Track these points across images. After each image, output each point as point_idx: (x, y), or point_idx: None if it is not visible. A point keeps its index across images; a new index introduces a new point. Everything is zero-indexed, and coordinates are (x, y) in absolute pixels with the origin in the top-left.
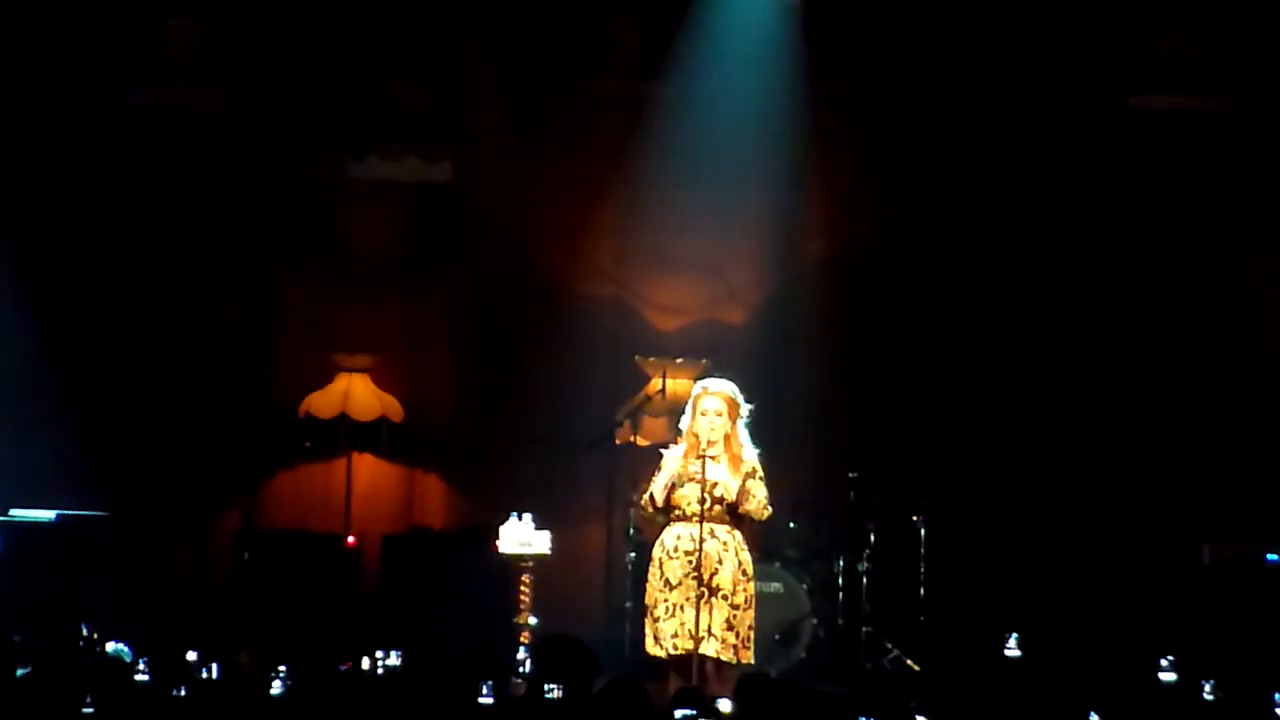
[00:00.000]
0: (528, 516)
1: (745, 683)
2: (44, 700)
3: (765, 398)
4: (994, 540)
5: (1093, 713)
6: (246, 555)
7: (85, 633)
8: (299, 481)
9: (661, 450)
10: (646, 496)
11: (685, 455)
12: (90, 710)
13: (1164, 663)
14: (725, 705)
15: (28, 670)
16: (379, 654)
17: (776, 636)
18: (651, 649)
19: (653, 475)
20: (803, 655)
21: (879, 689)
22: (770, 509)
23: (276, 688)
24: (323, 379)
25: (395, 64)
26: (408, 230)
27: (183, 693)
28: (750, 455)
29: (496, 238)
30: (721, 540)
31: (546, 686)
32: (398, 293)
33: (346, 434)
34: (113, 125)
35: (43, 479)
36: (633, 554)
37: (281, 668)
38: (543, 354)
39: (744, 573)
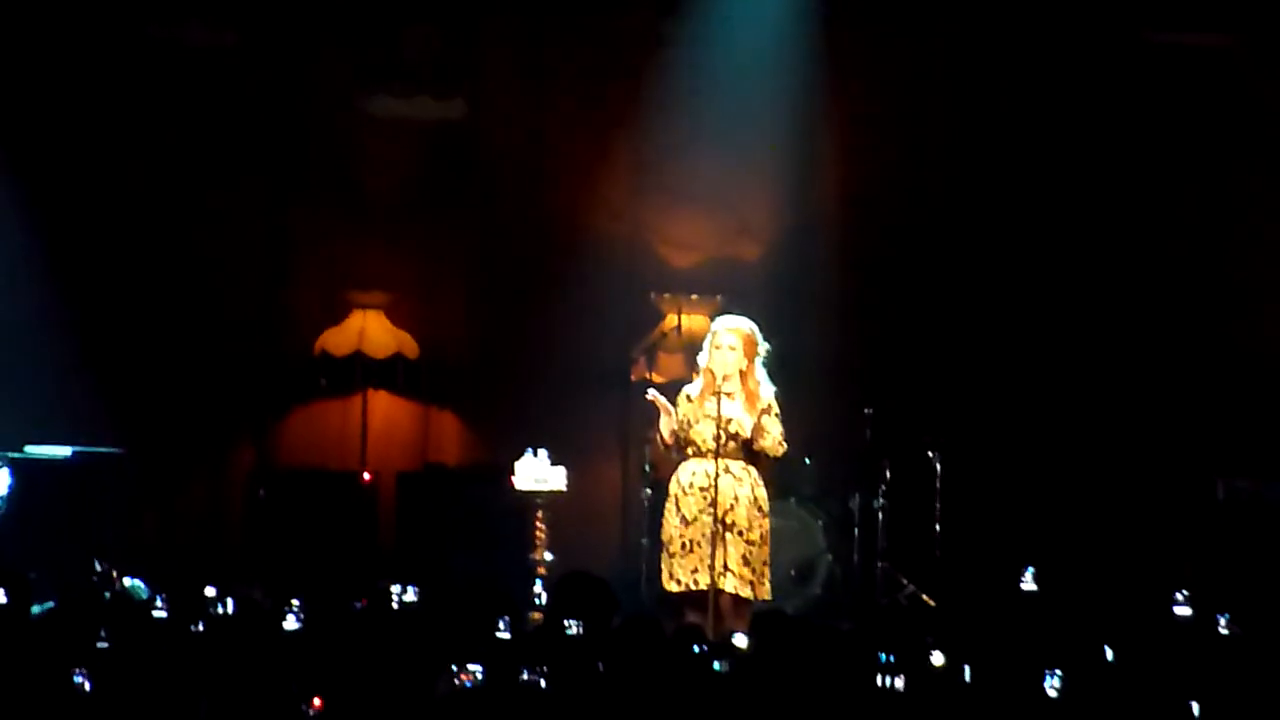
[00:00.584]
0: (543, 452)
1: (760, 619)
2: (59, 636)
3: (780, 334)
4: (1010, 476)
5: (1107, 647)
6: (262, 492)
7: (99, 568)
8: (314, 419)
9: (651, 392)
10: (657, 437)
11: (702, 392)
12: (106, 645)
13: (1179, 597)
14: (741, 641)
15: (44, 607)
16: (395, 589)
17: (792, 573)
18: (668, 585)
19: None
20: (819, 592)
21: (894, 625)
22: (785, 446)
23: (292, 623)
24: (338, 316)
25: (411, 1)
26: (422, 168)
27: (200, 628)
28: (766, 393)
29: (510, 175)
30: (736, 476)
31: (565, 622)
32: (412, 230)
33: (362, 371)
34: (125, 62)
35: (59, 416)
36: (648, 490)
37: (295, 602)
38: (557, 290)
39: (759, 508)
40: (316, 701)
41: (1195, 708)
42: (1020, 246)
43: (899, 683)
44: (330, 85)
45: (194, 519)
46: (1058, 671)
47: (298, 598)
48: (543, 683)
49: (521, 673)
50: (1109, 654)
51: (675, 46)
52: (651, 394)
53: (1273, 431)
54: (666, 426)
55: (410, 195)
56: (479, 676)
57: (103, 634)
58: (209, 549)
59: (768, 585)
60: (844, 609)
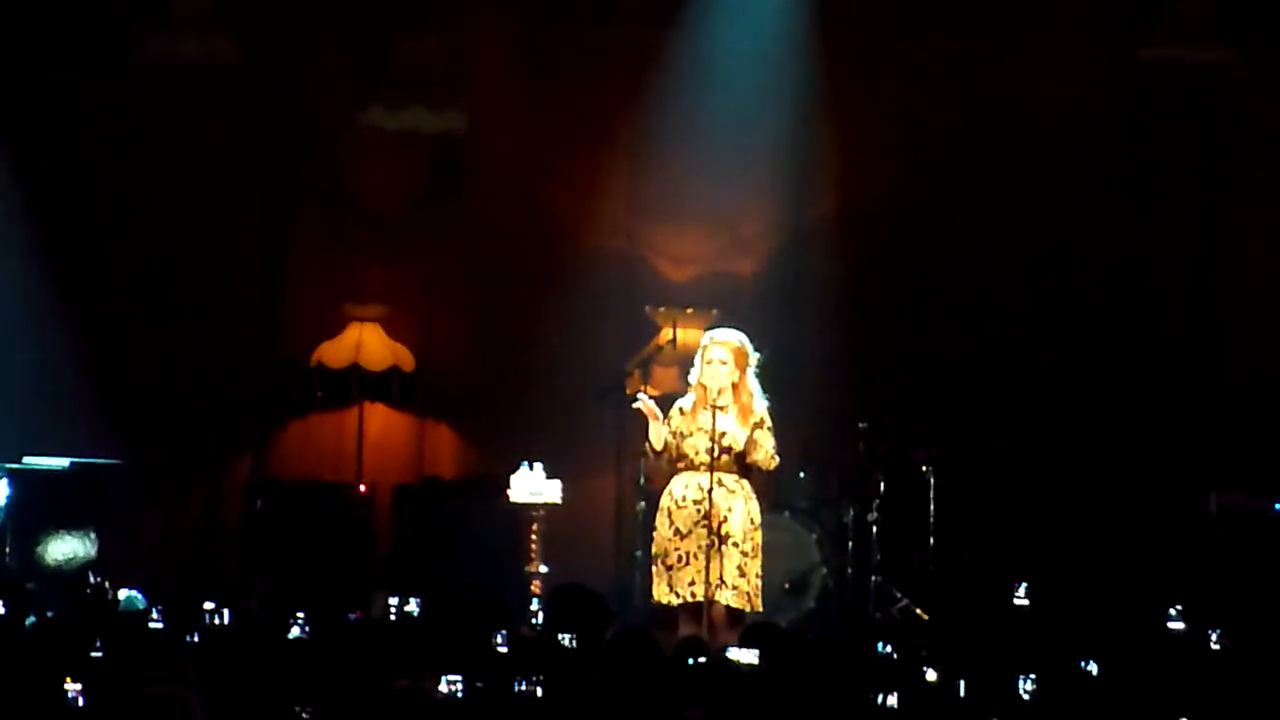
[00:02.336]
0: (538, 466)
1: (752, 631)
2: (54, 646)
3: (775, 348)
4: (1003, 490)
5: (1092, 661)
6: (259, 504)
7: (94, 580)
8: (311, 431)
9: (640, 397)
10: (646, 445)
11: (694, 406)
12: (100, 655)
13: (1172, 612)
14: (745, 655)
15: (39, 620)
16: (393, 601)
17: (786, 586)
18: (664, 596)
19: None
20: (812, 605)
21: (888, 638)
22: (778, 458)
23: (293, 633)
24: (334, 329)
25: (406, 13)
26: (419, 181)
27: (195, 639)
28: (759, 406)
29: (507, 188)
30: (730, 489)
31: (559, 635)
32: (410, 243)
33: (358, 384)
34: (125, 79)
35: (57, 427)
36: (642, 503)
37: (300, 614)
38: (554, 304)
39: (752, 521)
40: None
41: None
42: (1015, 260)
43: (892, 700)
44: (328, 99)
45: (191, 530)
46: (1032, 676)
47: (296, 609)
48: (539, 692)
49: (517, 684)
50: (1099, 668)
51: (672, 61)
52: (640, 400)
53: (1265, 446)
54: (656, 433)
55: (407, 209)
56: (458, 687)
57: (97, 644)
58: (206, 560)
59: (759, 598)
60: (837, 622)
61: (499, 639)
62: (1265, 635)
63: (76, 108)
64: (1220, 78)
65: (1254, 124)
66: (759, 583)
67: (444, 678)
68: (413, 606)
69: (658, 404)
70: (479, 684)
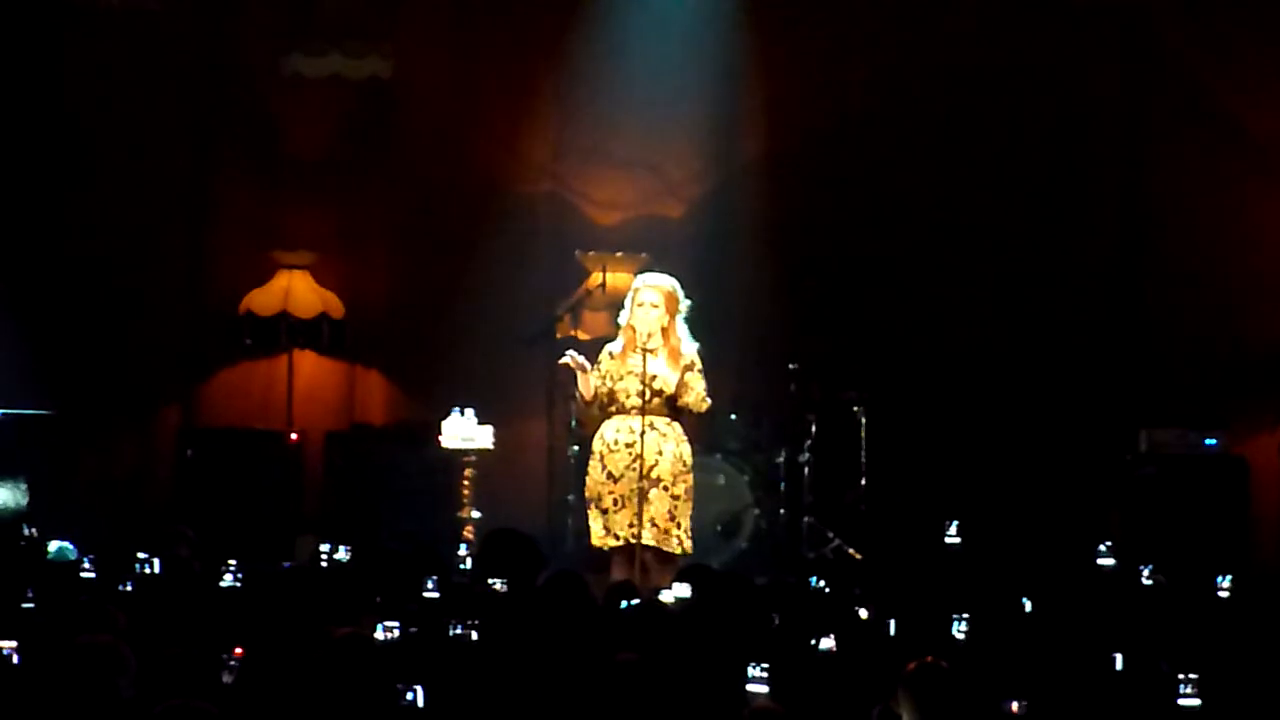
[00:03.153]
0: (469, 412)
1: (685, 574)
2: None
3: (705, 292)
4: (933, 430)
5: (1026, 599)
6: (189, 453)
7: (27, 532)
8: (240, 379)
9: (568, 354)
10: (577, 394)
11: (624, 350)
12: (31, 605)
13: (1102, 548)
14: (670, 595)
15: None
16: (323, 548)
17: (719, 528)
18: (601, 539)
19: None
20: (744, 546)
21: (821, 578)
22: (709, 401)
23: (225, 581)
24: (263, 276)
25: None
26: (345, 127)
27: (128, 588)
28: (689, 349)
29: (434, 134)
30: (661, 432)
31: (491, 580)
32: (337, 189)
33: (287, 331)
34: (45, 25)
35: None
36: (575, 447)
37: (231, 562)
38: (482, 250)
39: (684, 464)
40: (238, 650)
41: (1119, 659)
42: (941, 202)
43: (828, 643)
44: (251, 45)
45: (122, 480)
46: (965, 616)
47: (227, 557)
48: (474, 636)
49: (451, 628)
50: (1030, 605)
51: (596, 7)
52: (567, 356)
53: (1195, 383)
54: (584, 384)
55: (334, 155)
56: (394, 633)
57: (29, 594)
58: (137, 509)
59: (689, 541)
60: (770, 563)
61: (430, 584)
62: (1196, 571)
63: None
64: (1143, 9)
65: (1175, 60)
66: (689, 524)
67: (379, 624)
68: (343, 553)
69: (587, 348)
70: (413, 629)
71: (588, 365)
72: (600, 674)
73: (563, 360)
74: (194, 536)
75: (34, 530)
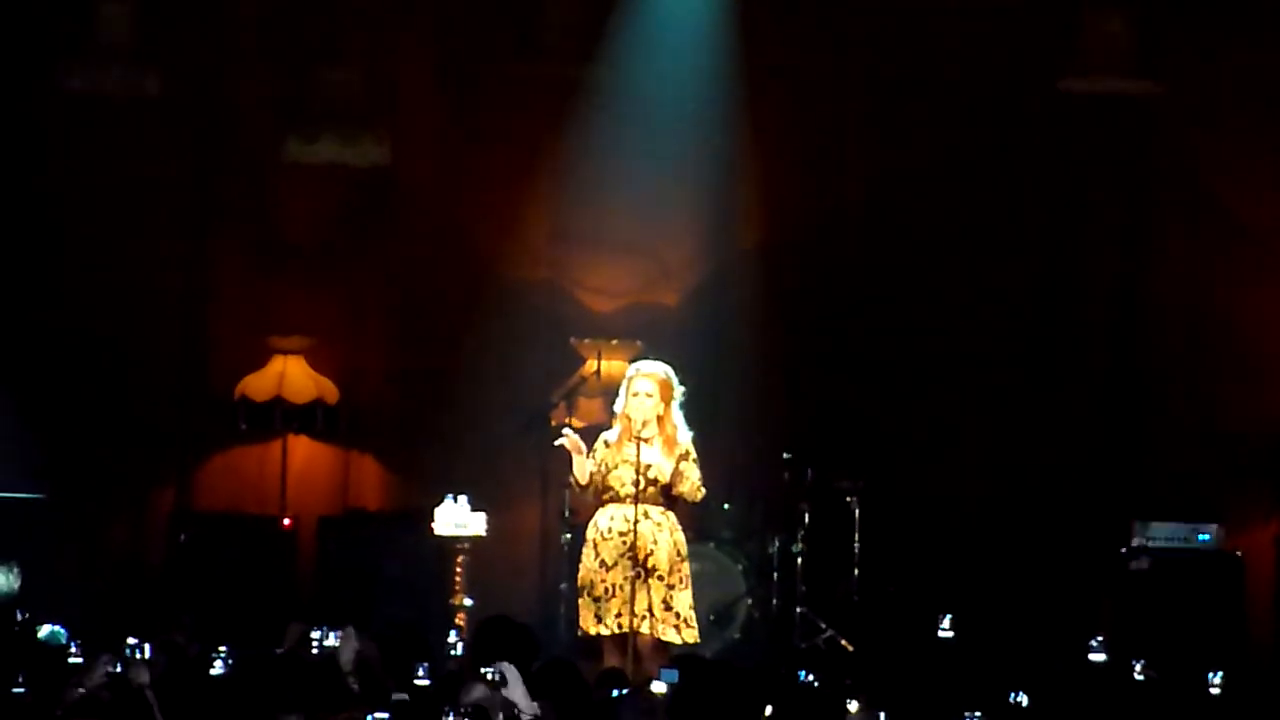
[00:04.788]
0: (463, 498)
1: (678, 662)
2: None
3: (700, 379)
4: (927, 521)
5: (1021, 693)
6: (182, 537)
7: (19, 617)
8: (234, 463)
9: (565, 433)
10: (572, 479)
11: (620, 438)
12: (22, 690)
13: (1094, 643)
14: (659, 686)
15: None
16: (315, 634)
17: (711, 617)
18: (593, 628)
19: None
20: (737, 636)
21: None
22: (704, 490)
23: (217, 668)
24: (258, 361)
25: (328, 45)
26: (342, 213)
27: (117, 669)
28: (684, 437)
29: (431, 220)
30: (655, 521)
31: (483, 669)
32: (333, 275)
33: (282, 416)
34: (46, 111)
35: None
36: (568, 535)
37: (223, 649)
38: (477, 336)
39: (679, 553)
40: None
41: None
42: (938, 294)
43: None
44: (249, 130)
45: (114, 563)
46: (978, 714)
47: (219, 643)
48: None
49: (444, 716)
50: (1024, 699)
51: (594, 93)
52: (563, 437)
53: (1189, 478)
54: (580, 467)
55: (330, 240)
56: None
57: (19, 680)
58: (129, 593)
59: (696, 629)
60: (762, 653)
61: (421, 672)
62: (1188, 666)
63: None
64: (1141, 108)
65: (1173, 154)
66: (691, 614)
67: (369, 715)
68: (333, 640)
69: (583, 436)
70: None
71: (584, 447)
72: None
73: (559, 441)
74: (191, 623)
75: (26, 614)
